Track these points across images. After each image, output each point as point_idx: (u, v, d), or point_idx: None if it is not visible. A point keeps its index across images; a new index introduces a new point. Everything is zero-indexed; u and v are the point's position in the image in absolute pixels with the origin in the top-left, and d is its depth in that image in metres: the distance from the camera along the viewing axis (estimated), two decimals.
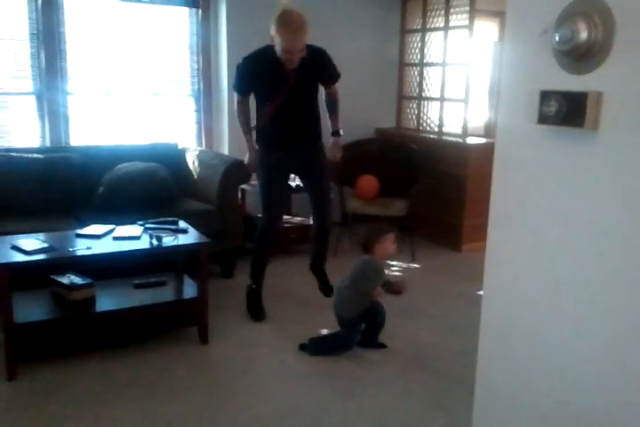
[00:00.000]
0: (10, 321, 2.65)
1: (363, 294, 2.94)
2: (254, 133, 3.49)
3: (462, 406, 2.45)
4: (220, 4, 4.71)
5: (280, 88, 3.25)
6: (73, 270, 3.05)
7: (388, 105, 5.67)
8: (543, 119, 1.53)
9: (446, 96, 5.15)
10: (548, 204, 1.61)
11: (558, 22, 1.47)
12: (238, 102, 3.47)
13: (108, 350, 2.99)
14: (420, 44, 5.34)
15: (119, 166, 3.96)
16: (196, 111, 4.91)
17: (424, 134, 5.33)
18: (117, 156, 4.10)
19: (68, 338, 2.86)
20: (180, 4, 4.65)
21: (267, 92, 3.32)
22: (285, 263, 4.50)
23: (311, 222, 4.66)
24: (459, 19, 4.93)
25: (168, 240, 3.01)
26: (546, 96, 1.51)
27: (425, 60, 5.32)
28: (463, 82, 4.94)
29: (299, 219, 4.83)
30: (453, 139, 5.04)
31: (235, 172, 4.05)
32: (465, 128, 5.03)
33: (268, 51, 3.21)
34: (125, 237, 3.05)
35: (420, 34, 5.32)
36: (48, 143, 4.32)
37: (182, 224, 3.30)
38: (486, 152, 1.79)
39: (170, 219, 3.33)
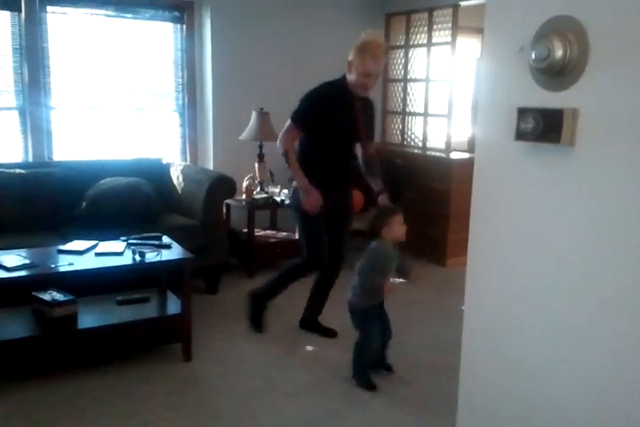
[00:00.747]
0: None
1: (376, 286, 2.83)
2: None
3: (447, 420, 2.44)
4: (204, 19, 4.74)
5: (349, 123, 3.15)
6: (55, 287, 3.01)
7: None
8: (521, 135, 1.55)
9: (430, 111, 5.19)
10: (526, 218, 1.63)
11: (535, 40, 1.50)
12: (289, 131, 3.19)
13: (90, 367, 2.95)
14: (403, 60, 5.40)
15: (102, 181, 3.94)
16: (180, 126, 4.92)
17: (408, 149, 5.37)
18: (101, 171, 4.08)
19: (49, 355, 2.82)
20: (165, 20, 4.67)
21: (334, 125, 3.13)
22: None
23: (296, 237, 4.68)
24: (441, 35, 5.00)
25: (151, 256, 2.99)
26: (523, 113, 1.53)
27: (408, 76, 5.37)
28: (446, 97, 4.99)
29: (284, 234, 4.82)
30: (437, 154, 5.08)
31: (220, 187, 4.05)
32: (448, 143, 5.07)
33: (337, 84, 3.20)
34: (108, 253, 3.03)
35: (403, 50, 5.38)
36: (31, 158, 4.30)
37: (166, 240, 3.28)
38: (469, 167, 1.81)
39: (153, 234, 3.31)
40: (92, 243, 3.16)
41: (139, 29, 4.59)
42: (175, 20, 4.71)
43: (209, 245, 3.98)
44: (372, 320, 2.87)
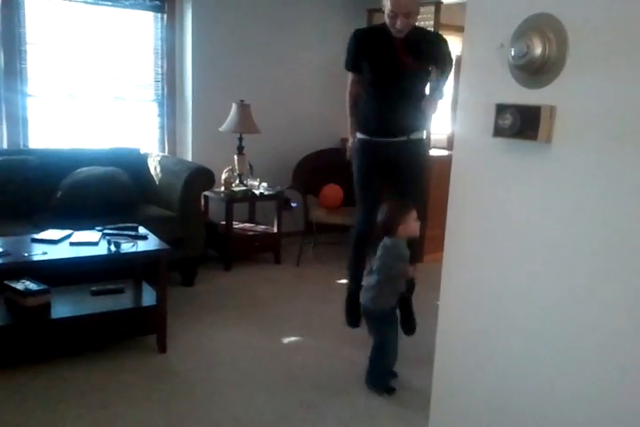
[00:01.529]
0: None
1: (396, 279, 2.74)
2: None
3: (420, 413, 2.47)
4: (185, 9, 4.69)
5: (387, 64, 3.04)
6: (28, 276, 2.97)
7: None
8: (498, 132, 1.56)
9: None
10: (502, 215, 1.65)
11: (514, 37, 1.51)
12: (351, 83, 3.22)
13: (63, 358, 2.92)
14: None
15: (78, 170, 3.89)
16: (159, 116, 4.87)
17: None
18: (77, 159, 4.03)
19: (21, 346, 2.78)
20: (145, 9, 4.61)
21: (373, 66, 3.07)
22: (249, 271, 4.48)
23: (275, 230, 4.68)
24: None
25: (127, 246, 2.97)
26: (501, 109, 1.55)
27: None
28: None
29: (262, 227, 4.82)
30: None
31: (198, 178, 4.02)
32: (428, 140, 5.09)
33: (378, 26, 3.12)
34: (83, 243, 3.00)
35: None
36: (5, 145, 4.23)
37: (142, 230, 3.25)
38: (448, 164, 1.82)
39: (129, 225, 3.28)
40: (67, 232, 3.12)
41: (118, 18, 4.52)
42: (156, 9, 4.66)
43: (186, 236, 3.96)
44: (391, 323, 2.82)
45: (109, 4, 4.43)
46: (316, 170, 4.83)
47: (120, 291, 3.20)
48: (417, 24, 3.10)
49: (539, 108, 1.45)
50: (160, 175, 4.25)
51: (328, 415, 2.58)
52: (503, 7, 1.59)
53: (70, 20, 4.33)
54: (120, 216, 3.59)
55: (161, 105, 4.85)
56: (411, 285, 2.95)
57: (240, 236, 4.60)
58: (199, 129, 4.81)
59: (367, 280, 2.80)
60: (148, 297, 3.19)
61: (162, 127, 4.90)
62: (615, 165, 1.36)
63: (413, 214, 2.71)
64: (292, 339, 3.34)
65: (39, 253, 2.82)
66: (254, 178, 4.68)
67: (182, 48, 4.78)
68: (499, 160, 1.63)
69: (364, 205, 3.16)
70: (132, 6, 4.54)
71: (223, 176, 4.53)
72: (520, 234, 1.60)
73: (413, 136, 3.15)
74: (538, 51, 1.43)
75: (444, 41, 3.20)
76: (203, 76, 4.75)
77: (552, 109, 1.45)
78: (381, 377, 2.80)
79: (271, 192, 4.61)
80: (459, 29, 5.85)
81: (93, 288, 3.17)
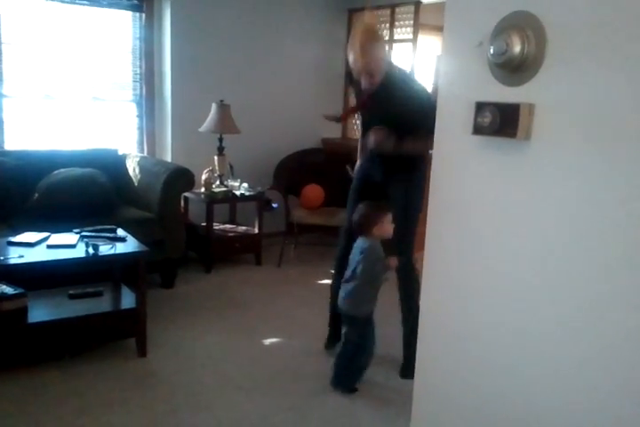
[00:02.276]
0: None
1: (377, 281, 2.74)
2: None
3: (403, 415, 2.46)
4: (164, 8, 4.65)
5: (371, 115, 2.97)
6: (4, 280, 2.91)
7: None
8: (478, 130, 1.55)
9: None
10: (482, 213, 1.64)
11: (493, 35, 1.50)
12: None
13: (40, 363, 2.87)
14: None
15: (56, 172, 3.83)
16: (137, 117, 4.82)
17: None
18: (54, 161, 3.97)
19: None
20: (123, 8, 4.56)
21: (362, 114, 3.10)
22: (230, 273, 4.45)
23: (256, 231, 4.66)
24: (403, 32, 5.02)
25: (105, 249, 2.92)
26: (481, 107, 1.54)
27: None
28: None
29: (243, 228, 4.79)
30: None
31: (177, 179, 3.98)
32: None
33: None
34: (60, 246, 2.95)
35: None
36: None
37: (121, 232, 3.21)
38: (428, 163, 1.81)
39: (108, 227, 3.24)
40: (44, 235, 3.07)
41: (96, 17, 4.46)
42: (134, 9, 4.60)
43: (165, 238, 3.92)
44: (372, 327, 2.81)
45: (87, 3, 4.37)
46: (297, 170, 4.81)
47: (98, 294, 3.16)
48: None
49: (518, 105, 1.45)
50: (139, 176, 4.20)
51: (311, 417, 2.56)
52: (482, 5, 1.59)
53: (47, 20, 4.26)
54: (98, 218, 3.54)
55: (139, 105, 4.80)
56: (415, 284, 2.77)
57: (221, 237, 4.57)
58: (178, 129, 4.77)
59: (346, 286, 2.78)
60: (127, 300, 3.14)
61: (140, 128, 4.85)
62: (594, 162, 1.36)
63: (389, 217, 2.74)
64: (274, 340, 3.32)
65: (15, 256, 2.77)
66: (235, 179, 4.65)
67: (161, 48, 4.73)
68: (478, 158, 1.62)
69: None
70: (110, 5, 4.48)
71: (203, 177, 4.49)
72: (501, 232, 1.59)
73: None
74: (517, 48, 1.43)
75: (416, 92, 2.82)
76: (182, 76, 4.71)
77: (531, 107, 1.45)
78: (353, 377, 2.80)
79: (252, 193, 4.59)
80: (438, 29, 5.89)
81: (71, 291, 3.12)
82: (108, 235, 3.12)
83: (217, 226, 4.64)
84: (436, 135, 1.78)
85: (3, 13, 4.07)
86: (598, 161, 1.36)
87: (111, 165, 4.20)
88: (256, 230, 4.68)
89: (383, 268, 2.75)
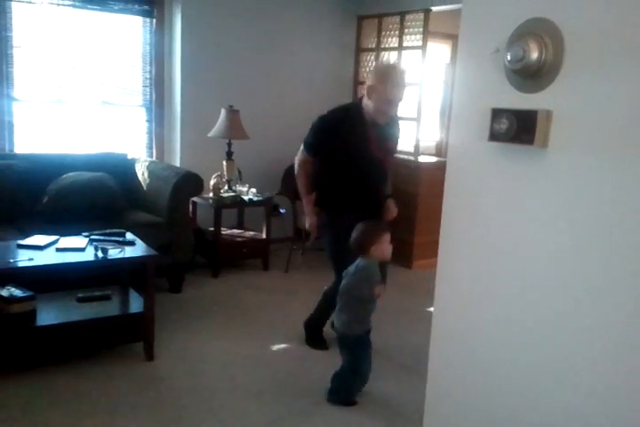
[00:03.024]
0: None
1: (366, 302, 2.69)
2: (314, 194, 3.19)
3: (412, 423, 2.45)
4: (175, 14, 4.67)
5: (362, 150, 3.02)
6: (13, 282, 2.91)
7: None
8: (494, 137, 1.55)
9: (399, 115, 5.20)
10: (498, 220, 1.64)
11: (510, 42, 1.50)
12: (304, 162, 3.16)
13: (48, 366, 2.86)
14: (374, 63, 5.41)
15: (65, 175, 3.85)
16: (147, 121, 4.83)
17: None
18: (64, 165, 3.98)
19: (6, 353, 2.72)
20: (134, 14, 4.59)
21: (347, 153, 3.02)
22: (237, 278, 4.44)
23: (264, 237, 4.65)
24: (412, 39, 5.03)
25: (114, 252, 2.92)
26: (497, 114, 1.54)
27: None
28: (416, 101, 5.02)
29: (250, 233, 4.78)
30: (406, 157, 5.10)
31: (186, 184, 3.99)
32: (417, 147, 5.11)
33: (351, 109, 3.09)
34: (69, 249, 2.95)
35: (374, 53, 5.40)
36: None
37: (130, 236, 3.21)
38: (437, 171, 1.82)
39: (117, 230, 3.24)
40: (53, 238, 3.07)
41: (107, 22, 4.49)
42: (145, 14, 4.63)
43: (174, 242, 3.92)
44: (365, 348, 2.74)
45: (98, 8, 4.40)
46: None
47: (107, 297, 3.15)
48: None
49: (535, 112, 1.45)
50: (148, 181, 4.21)
51: (318, 423, 2.55)
52: (498, 12, 1.59)
53: (58, 25, 4.29)
54: (107, 222, 3.55)
55: (149, 110, 4.81)
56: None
57: (228, 242, 4.56)
58: (188, 134, 4.78)
59: (340, 316, 2.74)
60: (136, 304, 3.14)
61: (150, 132, 4.86)
62: (612, 169, 1.36)
63: (387, 237, 2.68)
64: (281, 346, 3.31)
65: (25, 258, 2.77)
66: (243, 184, 4.65)
67: (171, 53, 4.75)
68: (494, 164, 1.62)
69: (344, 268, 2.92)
70: (121, 11, 4.51)
71: (212, 182, 4.50)
72: (516, 239, 1.59)
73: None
74: (534, 55, 1.43)
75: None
76: (192, 81, 4.72)
77: (548, 114, 1.45)
78: (349, 396, 2.73)
79: (260, 198, 4.59)
80: (447, 37, 5.91)
81: (80, 295, 3.12)
82: (116, 239, 3.12)
83: (225, 231, 4.64)
84: (451, 141, 1.78)
85: (15, 18, 4.10)
86: (617, 168, 1.35)
87: (120, 170, 4.22)
88: (264, 236, 4.67)
89: (370, 291, 2.65)
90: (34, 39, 4.23)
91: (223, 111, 4.50)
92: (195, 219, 4.59)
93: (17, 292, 2.86)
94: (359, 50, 5.55)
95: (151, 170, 4.24)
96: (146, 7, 4.61)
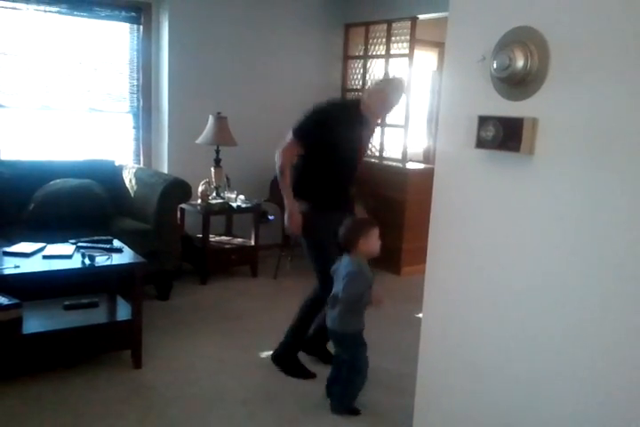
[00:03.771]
0: None
1: (364, 305, 2.62)
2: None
3: None
4: (162, 21, 4.67)
5: (356, 146, 3.07)
6: None
7: None
8: (481, 144, 1.57)
9: (387, 122, 5.25)
10: (485, 226, 1.65)
11: (496, 50, 1.52)
12: (291, 147, 2.97)
13: (34, 374, 2.84)
14: (361, 71, 5.45)
15: (52, 182, 3.82)
16: (134, 128, 4.82)
17: (365, 158, 5.37)
18: (50, 171, 3.96)
19: None
20: (121, 20, 4.58)
21: (340, 146, 2.95)
22: (225, 285, 4.43)
23: (253, 243, 4.65)
24: (399, 47, 5.07)
25: (101, 260, 2.91)
26: (484, 121, 1.55)
27: (366, 87, 5.41)
28: (403, 108, 5.05)
29: (239, 240, 4.78)
30: (393, 164, 5.13)
31: (174, 191, 3.98)
32: (405, 153, 5.13)
33: (351, 107, 3.06)
34: (56, 256, 2.93)
35: (361, 60, 5.43)
36: None
37: (117, 243, 3.20)
38: (425, 177, 1.83)
39: (104, 238, 3.22)
40: (40, 245, 3.05)
41: (94, 29, 4.48)
42: (132, 21, 4.63)
43: (161, 249, 3.90)
44: (362, 344, 2.72)
45: (84, 14, 4.39)
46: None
47: (94, 305, 3.13)
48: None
49: (521, 120, 1.47)
50: (135, 187, 4.20)
51: None
52: (484, 20, 1.61)
53: (44, 31, 4.27)
54: (94, 229, 3.52)
55: (136, 117, 4.80)
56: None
57: (217, 249, 4.55)
58: (175, 141, 4.77)
59: (331, 313, 2.68)
60: (123, 311, 3.12)
61: (137, 139, 4.85)
62: (597, 176, 1.38)
63: (376, 231, 2.62)
64: (270, 353, 3.30)
65: (11, 266, 2.75)
66: (231, 190, 4.65)
67: (158, 60, 4.75)
68: (481, 171, 1.63)
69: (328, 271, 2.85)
70: (108, 17, 4.50)
71: (200, 189, 4.49)
72: (504, 245, 1.60)
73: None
74: (520, 63, 1.45)
75: None
76: (179, 87, 4.72)
77: (534, 121, 1.46)
78: (353, 398, 2.72)
79: (248, 205, 4.58)
80: (433, 45, 5.96)
81: (66, 302, 3.09)
82: (104, 246, 3.10)
83: (213, 238, 4.63)
84: (438, 149, 1.79)
85: (0, 24, 4.08)
86: (602, 175, 1.37)
87: (107, 176, 4.20)
88: (252, 242, 4.67)
89: (367, 297, 2.58)
90: (20, 46, 4.21)
91: (211, 118, 4.50)
92: (183, 226, 4.57)
93: (3, 299, 2.82)
94: (346, 57, 5.58)
95: (139, 177, 4.23)
96: (133, 14, 4.61)
